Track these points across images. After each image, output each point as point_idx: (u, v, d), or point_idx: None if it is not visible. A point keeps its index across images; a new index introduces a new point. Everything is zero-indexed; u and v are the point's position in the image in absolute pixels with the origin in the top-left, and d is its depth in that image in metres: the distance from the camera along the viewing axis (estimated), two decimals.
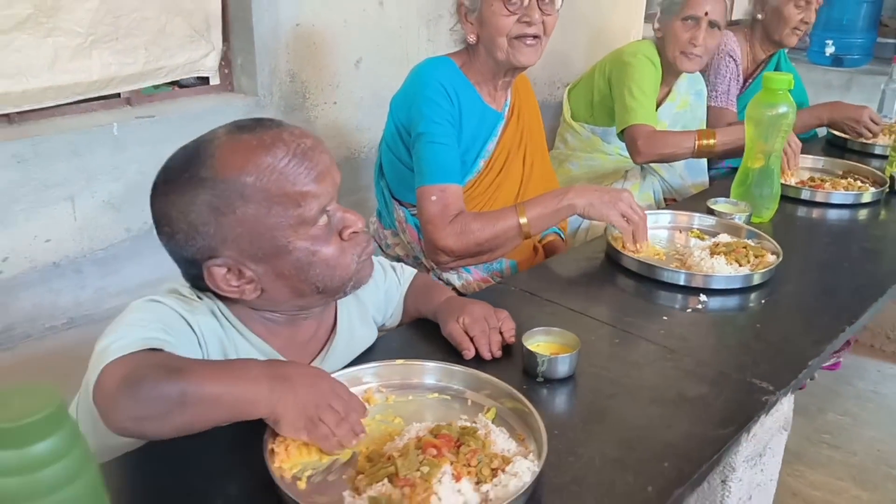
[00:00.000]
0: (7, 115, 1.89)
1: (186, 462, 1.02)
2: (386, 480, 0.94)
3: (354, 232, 1.10)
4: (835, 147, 2.65)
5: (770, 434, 1.24)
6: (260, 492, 0.96)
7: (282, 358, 1.14)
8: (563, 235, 2.07)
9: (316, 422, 0.97)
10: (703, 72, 2.55)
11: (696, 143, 2.15)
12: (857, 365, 2.91)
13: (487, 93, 1.81)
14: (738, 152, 2.18)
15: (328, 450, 0.99)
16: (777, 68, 2.79)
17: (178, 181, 1.03)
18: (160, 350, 0.96)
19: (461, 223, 1.63)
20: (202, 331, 1.07)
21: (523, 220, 1.62)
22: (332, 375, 1.12)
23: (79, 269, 2.00)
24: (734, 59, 2.60)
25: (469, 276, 1.84)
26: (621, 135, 2.28)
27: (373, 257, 1.41)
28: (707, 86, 2.60)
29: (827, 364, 2.79)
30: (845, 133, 2.62)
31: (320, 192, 1.05)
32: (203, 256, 1.04)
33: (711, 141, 2.15)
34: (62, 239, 1.96)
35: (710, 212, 1.88)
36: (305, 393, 0.98)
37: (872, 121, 2.53)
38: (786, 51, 2.81)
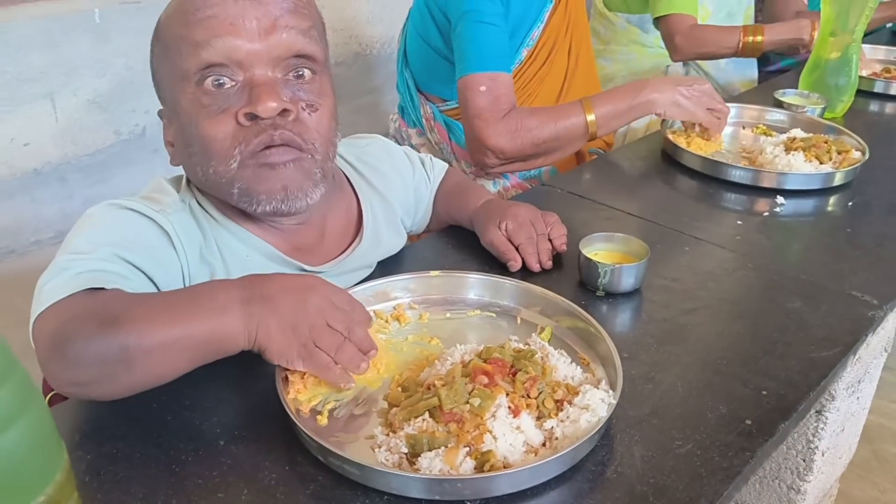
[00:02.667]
0: None
1: (179, 394, 0.83)
2: (427, 415, 0.75)
3: (249, 113, 0.82)
4: None
5: (872, 356, 1.06)
6: (271, 427, 0.78)
7: (289, 259, 0.94)
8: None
9: (311, 348, 0.77)
10: None
11: (742, 40, 1.92)
12: None
13: None
14: (789, 51, 1.94)
15: (333, 382, 0.79)
16: None
17: None
18: (101, 289, 0.76)
19: (516, 119, 1.39)
20: (175, 230, 0.87)
21: (591, 118, 1.39)
22: (351, 290, 0.93)
23: (63, 177, 1.80)
24: None
25: (506, 182, 1.62)
26: (656, 22, 2.02)
27: (400, 147, 1.20)
28: None
29: None
30: None
31: (204, 41, 0.81)
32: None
33: (759, 38, 1.91)
34: (42, 143, 1.74)
35: (780, 105, 1.64)
36: (292, 312, 0.76)
37: None
38: None
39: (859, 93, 1.81)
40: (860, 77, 1.84)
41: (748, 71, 2.30)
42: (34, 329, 0.74)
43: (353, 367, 0.78)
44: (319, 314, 0.77)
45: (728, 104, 1.65)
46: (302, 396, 0.81)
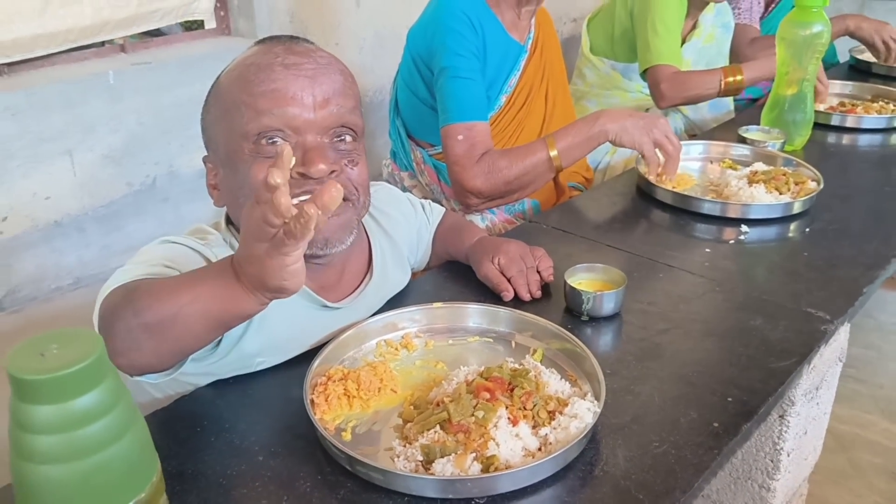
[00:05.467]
0: None
1: (219, 418, 0.95)
2: (438, 427, 0.87)
3: (300, 173, 0.95)
4: (858, 71, 2.55)
5: (828, 365, 1.19)
6: (302, 444, 0.90)
7: (315, 296, 1.06)
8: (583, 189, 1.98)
9: (261, 236, 0.73)
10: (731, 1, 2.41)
11: (723, 81, 2.03)
12: (879, 298, 2.86)
13: (510, 23, 1.70)
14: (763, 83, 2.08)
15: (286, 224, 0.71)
16: None
17: None
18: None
19: (488, 162, 1.54)
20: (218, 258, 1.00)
21: (553, 153, 1.53)
22: (363, 323, 1.08)
23: (81, 227, 1.92)
24: None
25: (494, 218, 1.76)
26: (644, 74, 2.16)
27: (403, 193, 1.34)
28: (730, 3, 2.46)
29: None
30: (866, 43, 2.52)
31: (267, 110, 0.95)
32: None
33: (738, 77, 2.03)
34: (62, 196, 1.87)
35: (743, 140, 1.79)
36: (242, 240, 0.78)
37: (892, 38, 2.44)
38: None
39: (818, 126, 1.97)
40: (818, 111, 2.01)
41: (724, 110, 2.41)
42: (97, 325, 0.86)
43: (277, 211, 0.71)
44: (256, 225, 0.73)
45: (697, 141, 1.80)
46: (327, 416, 0.93)
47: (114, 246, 1.98)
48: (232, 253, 0.99)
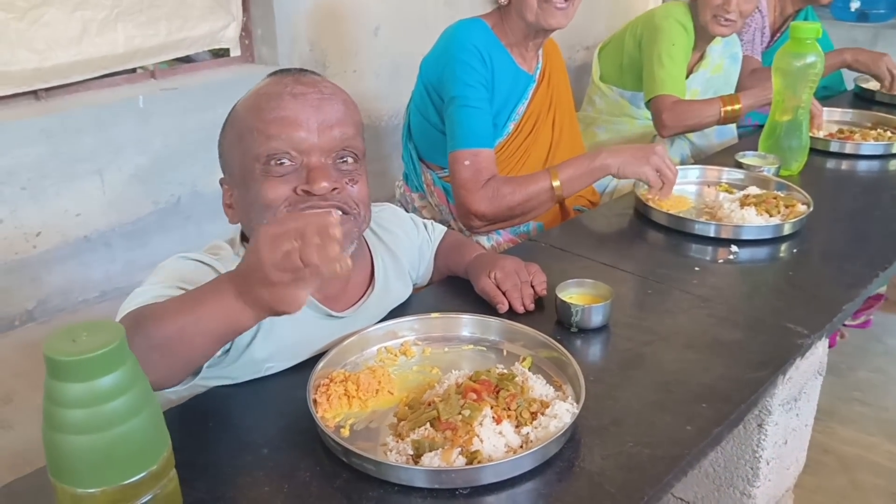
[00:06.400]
0: (34, 92, 1.91)
1: (230, 415, 1.04)
2: (428, 425, 0.95)
3: (306, 190, 1.06)
4: (862, 100, 2.61)
5: (805, 378, 1.24)
6: (303, 438, 0.98)
7: (320, 306, 1.15)
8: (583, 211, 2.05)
9: (291, 276, 0.79)
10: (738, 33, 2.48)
11: (722, 109, 2.10)
12: (888, 322, 2.89)
13: (519, 55, 1.80)
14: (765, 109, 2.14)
15: (327, 271, 0.77)
16: None
17: None
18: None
19: (493, 187, 1.63)
20: None
21: (556, 183, 1.62)
22: (366, 331, 1.16)
23: (108, 243, 2.03)
24: (760, 11, 2.55)
25: (499, 238, 1.84)
26: (648, 104, 2.24)
27: (407, 213, 1.43)
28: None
29: (857, 322, 2.77)
30: (861, 71, 2.59)
31: (276, 135, 1.06)
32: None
33: (737, 106, 2.09)
34: (91, 213, 1.98)
35: (739, 165, 1.86)
36: (255, 261, 0.80)
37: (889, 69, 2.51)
38: (812, 7, 2.76)
39: (817, 152, 2.03)
40: (818, 138, 2.07)
41: (728, 136, 2.47)
42: None
43: (326, 257, 0.78)
44: (283, 257, 0.78)
45: (694, 166, 1.88)
46: (328, 415, 1.01)
47: (139, 261, 2.09)
48: None
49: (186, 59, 2.31)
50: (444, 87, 1.72)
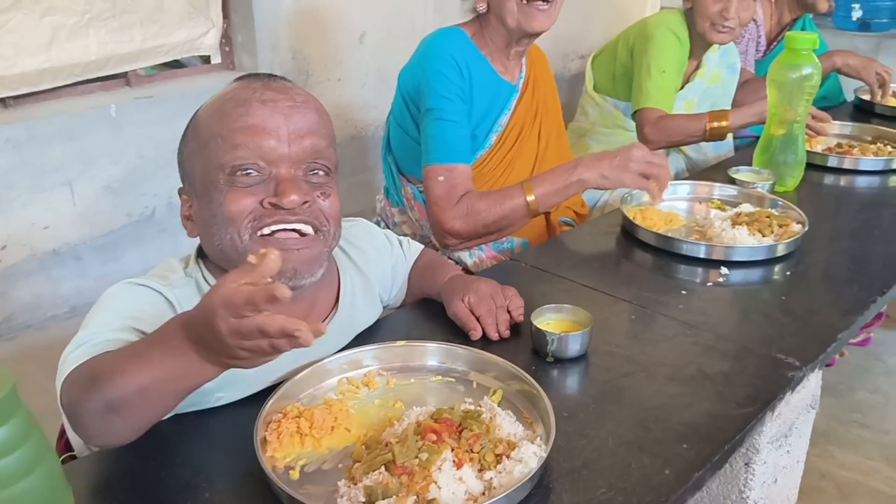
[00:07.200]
0: (1, 100, 1.84)
1: (173, 452, 0.96)
2: (383, 468, 0.87)
3: (272, 203, 0.99)
4: (862, 112, 2.54)
5: (796, 413, 1.16)
6: (250, 482, 0.90)
7: None
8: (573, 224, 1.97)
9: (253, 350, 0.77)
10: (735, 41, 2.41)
11: (707, 125, 2.03)
12: (889, 340, 2.80)
13: (500, 64, 1.73)
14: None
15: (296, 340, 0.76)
16: None
17: None
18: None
19: (467, 204, 1.56)
20: (180, 303, 1.02)
21: (531, 198, 1.54)
22: (328, 359, 1.08)
23: (79, 257, 1.96)
24: (755, 20, 2.48)
25: (481, 254, 1.76)
26: (634, 115, 2.17)
27: (381, 230, 1.35)
28: None
29: (857, 340, 2.68)
30: (851, 76, 2.53)
31: (242, 143, 0.99)
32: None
33: (724, 123, 2.02)
34: (61, 225, 1.92)
35: (732, 181, 1.79)
36: (214, 336, 0.76)
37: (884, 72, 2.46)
38: (811, 15, 2.69)
39: (815, 167, 1.96)
40: (815, 153, 2.00)
41: (725, 150, 2.38)
42: (60, 395, 0.88)
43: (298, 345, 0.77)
44: (232, 340, 0.76)
45: (685, 181, 1.80)
46: (278, 454, 0.94)
47: (111, 275, 2.02)
48: (194, 295, 1.01)
49: (177, 65, 2.25)
50: (420, 99, 1.65)
